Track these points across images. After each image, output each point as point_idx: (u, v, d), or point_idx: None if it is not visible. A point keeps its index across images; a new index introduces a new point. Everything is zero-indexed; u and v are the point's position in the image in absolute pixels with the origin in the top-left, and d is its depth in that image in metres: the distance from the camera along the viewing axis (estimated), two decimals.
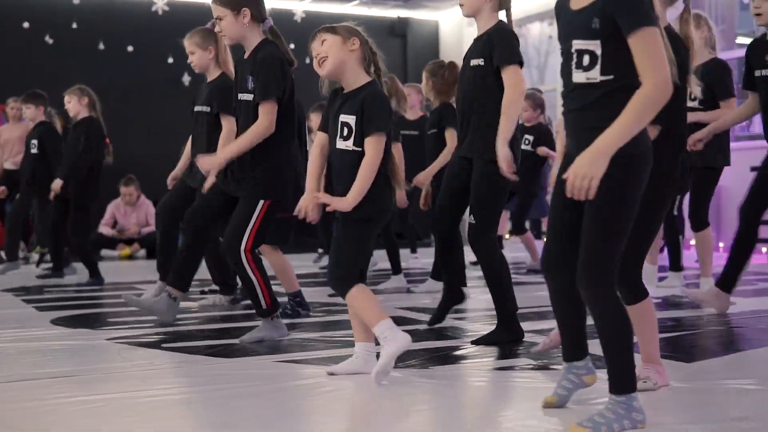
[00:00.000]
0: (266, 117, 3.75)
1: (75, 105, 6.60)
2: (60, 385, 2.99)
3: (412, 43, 13.31)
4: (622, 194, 2.26)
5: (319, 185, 3.13)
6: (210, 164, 3.90)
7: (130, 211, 10.38)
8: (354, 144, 3.03)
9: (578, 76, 2.29)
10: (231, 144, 3.90)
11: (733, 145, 5.63)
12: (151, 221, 10.42)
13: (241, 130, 3.87)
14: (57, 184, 6.59)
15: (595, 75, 2.26)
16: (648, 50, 2.18)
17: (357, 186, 3.00)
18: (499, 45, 3.62)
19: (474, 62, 3.71)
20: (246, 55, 3.90)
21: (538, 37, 12.87)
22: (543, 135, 6.90)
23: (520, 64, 3.60)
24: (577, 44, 2.28)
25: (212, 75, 4.95)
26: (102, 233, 10.19)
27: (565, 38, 2.34)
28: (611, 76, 2.25)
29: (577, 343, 2.55)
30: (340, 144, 3.06)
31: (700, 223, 5.11)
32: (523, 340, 3.75)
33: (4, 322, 4.58)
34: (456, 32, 12.85)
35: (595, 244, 2.27)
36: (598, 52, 2.24)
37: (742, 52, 10.28)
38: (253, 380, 3.04)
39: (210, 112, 4.81)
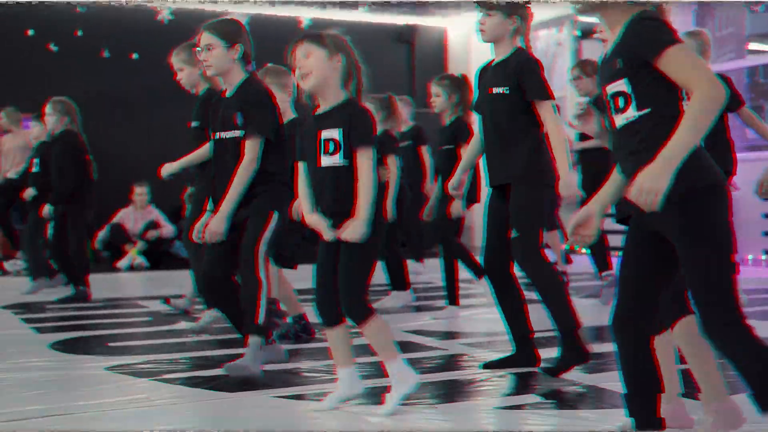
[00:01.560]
0: (252, 152, 3.60)
1: (54, 121, 6.51)
2: (54, 425, 2.87)
3: (419, 51, 13.18)
4: (710, 230, 2.15)
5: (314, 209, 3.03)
6: (217, 228, 3.60)
7: (139, 217, 10.35)
8: (342, 158, 2.94)
9: (618, 120, 2.26)
10: (228, 197, 3.61)
11: (739, 156, 5.46)
12: (157, 228, 10.37)
13: (227, 168, 3.67)
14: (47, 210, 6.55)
15: (631, 113, 2.21)
16: (684, 62, 2.13)
17: (363, 203, 2.91)
18: (531, 78, 3.57)
19: (498, 90, 3.63)
20: (227, 92, 3.74)
21: (546, 40, 12.84)
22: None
23: (553, 97, 3.59)
24: (609, 89, 2.26)
25: (200, 89, 4.84)
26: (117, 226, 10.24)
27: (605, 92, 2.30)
28: (648, 109, 2.19)
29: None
30: (326, 161, 2.97)
31: None
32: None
33: (0, 347, 4.46)
34: (463, 40, 12.74)
35: (707, 284, 2.13)
36: (627, 90, 2.21)
37: (753, 61, 10.17)
38: (249, 420, 2.94)
39: (199, 127, 4.69)
